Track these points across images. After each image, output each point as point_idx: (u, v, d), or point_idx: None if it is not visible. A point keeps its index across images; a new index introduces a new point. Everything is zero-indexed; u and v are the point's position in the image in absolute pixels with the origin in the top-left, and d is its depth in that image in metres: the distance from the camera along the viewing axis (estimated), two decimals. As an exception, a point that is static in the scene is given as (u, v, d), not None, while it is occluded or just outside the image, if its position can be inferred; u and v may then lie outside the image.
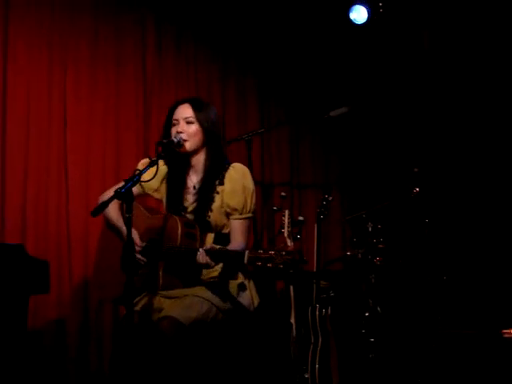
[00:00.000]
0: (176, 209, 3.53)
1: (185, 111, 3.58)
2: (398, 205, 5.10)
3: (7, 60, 4.51)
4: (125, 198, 3.03)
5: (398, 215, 5.39)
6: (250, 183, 3.60)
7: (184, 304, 3.34)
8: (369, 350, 4.67)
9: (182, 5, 5.29)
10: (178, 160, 3.59)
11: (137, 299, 3.45)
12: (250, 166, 4.75)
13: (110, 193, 3.19)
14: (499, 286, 5.18)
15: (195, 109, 3.59)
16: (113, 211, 3.54)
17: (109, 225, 3.60)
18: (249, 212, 3.57)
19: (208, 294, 3.42)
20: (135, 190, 3.52)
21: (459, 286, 5.14)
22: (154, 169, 3.26)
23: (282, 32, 5.77)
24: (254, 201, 3.59)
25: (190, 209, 3.56)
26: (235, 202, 3.53)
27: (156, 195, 3.66)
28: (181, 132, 3.52)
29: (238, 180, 3.56)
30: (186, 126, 3.55)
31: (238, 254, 3.26)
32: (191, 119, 3.56)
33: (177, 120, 3.58)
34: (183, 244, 3.36)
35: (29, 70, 4.59)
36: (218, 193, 3.54)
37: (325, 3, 5.72)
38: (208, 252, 3.31)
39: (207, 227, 3.52)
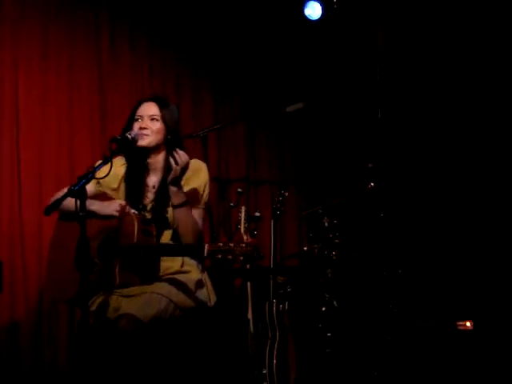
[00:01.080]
0: (135, 207, 3.50)
1: (150, 108, 3.58)
2: (354, 200, 5.14)
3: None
4: (78, 195, 2.99)
5: (353, 210, 5.43)
6: (205, 176, 3.62)
7: (142, 301, 3.32)
8: (326, 344, 4.70)
9: (135, 6, 5.25)
10: (135, 158, 3.57)
11: (93, 299, 3.42)
12: (206, 162, 4.66)
13: (64, 191, 3.16)
14: (453, 278, 5.26)
15: (161, 107, 3.58)
16: (73, 202, 3.36)
17: (70, 216, 3.50)
18: (202, 203, 3.59)
19: (166, 290, 3.40)
20: (92, 188, 3.49)
21: (414, 280, 5.20)
22: (108, 166, 3.22)
23: (237, 28, 5.77)
24: (206, 193, 3.60)
25: (148, 207, 3.55)
26: (188, 191, 3.53)
27: (114, 195, 3.59)
28: (144, 128, 3.51)
29: (193, 171, 3.57)
30: (151, 122, 3.54)
31: (198, 246, 3.26)
32: (156, 117, 3.56)
33: (141, 116, 3.56)
34: (140, 241, 3.34)
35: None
36: None
37: (279, -1, 5.73)
38: (166, 246, 3.38)
39: (165, 224, 3.51)
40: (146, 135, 3.51)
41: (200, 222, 3.55)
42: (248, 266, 4.57)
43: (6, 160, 4.55)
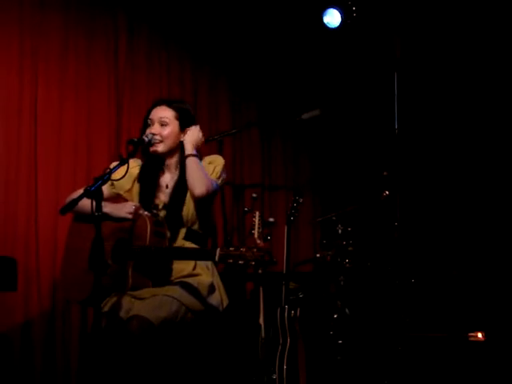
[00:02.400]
0: (147, 207, 3.52)
1: (160, 112, 3.58)
2: (368, 208, 5.13)
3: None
4: (94, 196, 3.02)
5: (367, 218, 5.42)
6: (221, 160, 3.68)
7: (154, 303, 3.32)
8: (337, 351, 4.69)
9: (154, 4, 5.27)
10: (151, 159, 3.59)
11: (105, 300, 3.43)
12: (221, 166, 4.76)
13: (80, 191, 3.18)
14: (466, 288, 5.23)
15: (174, 111, 3.59)
16: (88, 202, 3.21)
17: (85, 218, 3.51)
18: (216, 177, 3.61)
19: (178, 293, 3.40)
20: (106, 191, 3.52)
21: (427, 289, 5.18)
22: (124, 168, 3.26)
23: (256, 33, 5.78)
24: (222, 171, 3.65)
25: (161, 205, 3.56)
26: (206, 168, 3.60)
27: (127, 196, 3.61)
28: (155, 134, 3.52)
29: (211, 157, 3.68)
30: (161, 127, 3.55)
31: (209, 251, 3.27)
32: (166, 121, 3.56)
33: (151, 120, 3.57)
34: (152, 243, 3.35)
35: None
36: None
37: (299, 6, 5.73)
38: (179, 249, 3.38)
39: (179, 222, 3.52)
40: (159, 142, 3.53)
41: (213, 184, 3.56)
42: (260, 271, 4.57)
43: (23, 161, 4.57)
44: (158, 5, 5.30)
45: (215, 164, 3.64)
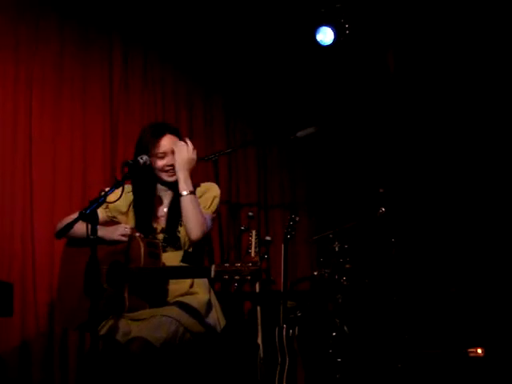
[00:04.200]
0: (145, 231, 3.50)
1: (173, 143, 3.52)
2: (365, 225, 5.13)
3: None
4: (90, 219, 3.00)
5: (364, 235, 5.42)
6: (217, 190, 3.63)
7: (152, 324, 3.30)
8: (336, 369, 4.67)
9: (148, 26, 5.30)
10: (145, 182, 3.57)
11: (102, 323, 3.41)
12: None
13: (75, 215, 3.17)
14: (464, 305, 5.22)
15: (178, 138, 3.56)
16: (82, 227, 3.18)
17: (79, 242, 3.48)
18: (212, 210, 3.58)
19: (176, 313, 3.38)
20: (101, 214, 3.50)
21: (425, 306, 5.17)
22: (119, 190, 3.25)
23: (249, 53, 5.81)
24: (216, 202, 3.60)
25: (159, 229, 3.54)
26: (201, 200, 3.54)
27: (123, 219, 3.59)
28: (171, 165, 3.49)
29: (206, 187, 3.61)
30: (173, 158, 3.50)
31: (205, 268, 3.25)
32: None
33: (164, 153, 3.52)
34: (147, 264, 3.34)
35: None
36: None
37: (291, 24, 5.76)
38: (174, 268, 3.37)
39: (177, 244, 3.51)
40: (174, 173, 3.51)
41: (208, 222, 3.53)
42: (257, 286, 4.56)
43: (18, 184, 4.57)
44: (152, 26, 5.33)
45: (213, 195, 3.60)
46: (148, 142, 3.52)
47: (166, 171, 3.51)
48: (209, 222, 3.53)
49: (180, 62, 5.49)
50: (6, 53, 4.63)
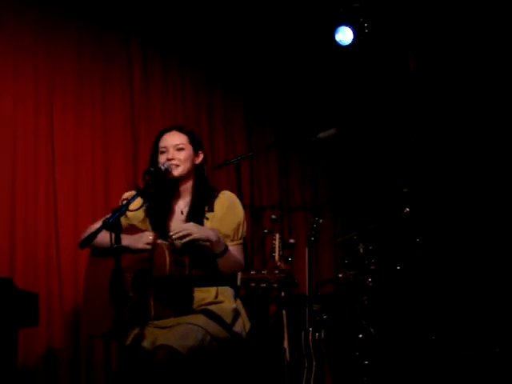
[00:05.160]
0: (163, 236, 3.49)
1: (174, 138, 3.55)
2: (389, 225, 5.09)
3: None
4: (113, 228, 3.00)
5: (389, 236, 5.38)
6: (240, 211, 3.58)
7: (179, 332, 3.27)
8: (363, 372, 4.64)
9: (167, 29, 5.30)
10: (163, 187, 3.56)
11: (128, 333, 3.39)
12: (239, 189, 4.75)
13: (98, 224, 3.16)
14: (492, 303, 5.17)
15: (186, 135, 3.58)
16: (106, 236, 3.22)
17: (103, 252, 3.47)
18: (240, 239, 3.55)
19: (202, 321, 3.36)
20: (122, 223, 3.48)
21: (452, 306, 5.12)
22: (140, 199, 3.25)
23: (269, 54, 5.80)
24: (245, 228, 3.58)
25: (178, 235, 3.53)
26: (226, 228, 3.50)
27: (142, 226, 3.59)
28: (172, 159, 3.50)
29: (228, 207, 3.54)
30: (177, 152, 3.53)
31: (231, 276, 3.23)
32: (182, 146, 3.54)
33: (165, 147, 3.54)
34: (172, 272, 3.32)
35: (15, 98, 4.57)
36: (207, 218, 3.51)
37: (310, 25, 5.73)
38: (200, 276, 3.33)
39: (198, 252, 3.46)
40: (176, 166, 3.51)
41: (240, 256, 3.53)
42: (283, 294, 4.53)
43: (41, 194, 4.57)
44: (170, 29, 5.32)
45: (237, 221, 3.54)
46: (154, 143, 3.57)
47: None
48: (241, 255, 3.53)
49: (199, 64, 5.48)
50: (26, 62, 4.64)
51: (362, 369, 4.65)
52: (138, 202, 3.26)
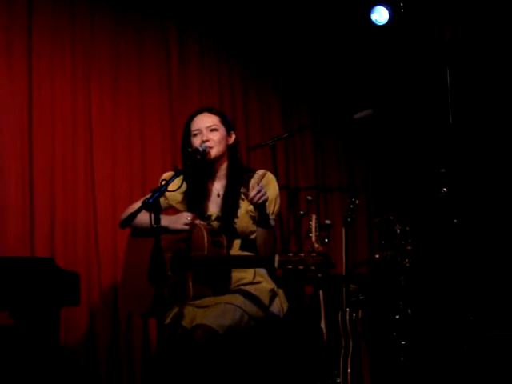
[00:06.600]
0: (200, 217, 3.51)
1: (207, 120, 3.57)
2: (426, 206, 5.06)
3: (32, 72, 4.54)
4: (153, 208, 3.03)
5: (425, 216, 5.35)
6: (274, 187, 3.60)
7: (217, 312, 3.30)
8: (400, 353, 4.64)
9: (203, 12, 5.31)
10: (200, 169, 3.58)
11: (167, 313, 3.42)
12: (275, 170, 4.75)
13: (137, 204, 3.19)
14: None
15: (217, 116, 3.59)
16: (145, 217, 3.21)
17: (143, 232, 3.52)
18: (273, 214, 3.57)
19: (240, 301, 3.38)
20: (160, 203, 3.51)
21: (490, 286, 5.09)
22: (179, 180, 3.28)
23: (304, 35, 5.77)
24: (278, 204, 3.60)
25: (214, 216, 3.55)
26: None
27: (180, 207, 3.62)
28: (207, 140, 3.51)
29: (263, 184, 3.54)
30: (211, 133, 3.54)
31: (268, 258, 3.25)
32: (215, 127, 3.55)
33: (198, 129, 3.55)
34: (210, 252, 3.35)
35: (52, 82, 4.62)
36: (243, 199, 3.53)
37: (346, 5, 5.69)
38: (238, 257, 3.40)
39: (233, 234, 3.51)
40: (211, 147, 3.52)
41: (274, 231, 3.55)
42: (320, 274, 4.54)
43: (80, 176, 4.63)
44: (206, 12, 5.32)
45: (274, 195, 3.57)
46: (186, 125, 3.60)
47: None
48: (274, 229, 3.55)
49: (234, 48, 5.48)
50: (63, 44, 4.69)
51: (399, 349, 4.65)
52: (177, 183, 3.28)
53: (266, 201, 3.36)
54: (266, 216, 3.44)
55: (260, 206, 3.37)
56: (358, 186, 5.78)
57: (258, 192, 3.31)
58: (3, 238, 4.32)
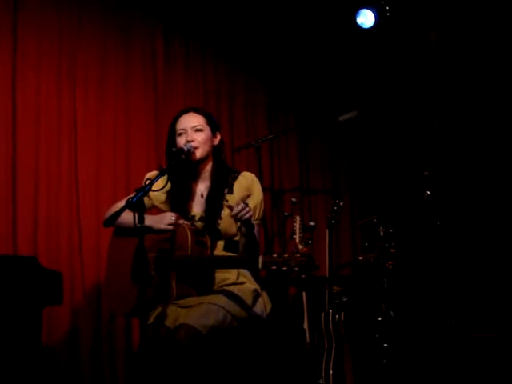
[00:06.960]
0: (183, 217, 3.51)
1: (192, 119, 3.55)
2: (409, 208, 5.08)
3: (16, 70, 4.52)
4: (137, 207, 3.02)
5: (409, 219, 5.37)
6: (259, 193, 3.60)
7: (200, 312, 3.31)
8: (383, 355, 4.65)
9: (190, 14, 5.30)
10: (184, 169, 3.57)
11: (150, 313, 3.41)
12: (259, 172, 4.76)
13: (121, 203, 3.19)
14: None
15: (203, 116, 3.58)
16: (129, 216, 3.23)
17: (126, 231, 3.49)
18: (257, 219, 3.57)
19: (223, 302, 3.39)
20: (144, 202, 3.51)
21: (473, 289, 5.11)
22: (163, 179, 3.27)
23: (290, 38, 5.78)
24: (262, 209, 3.59)
25: (197, 217, 3.54)
26: None
27: (163, 207, 3.61)
28: (191, 140, 3.50)
29: (247, 189, 3.56)
30: (195, 133, 3.53)
31: (252, 259, 3.25)
32: (200, 127, 3.54)
33: (183, 129, 3.54)
34: (194, 252, 3.35)
35: (37, 81, 4.61)
36: (227, 201, 3.52)
37: (332, 8, 5.71)
38: (222, 258, 3.37)
39: (217, 235, 3.50)
40: (196, 148, 3.51)
41: (257, 237, 3.55)
42: (303, 276, 4.54)
43: (64, 175, 4.62)
44: (193, 13, 5.32)
45: (259, 199, 3.57)
46: (171, 125, 3.58)
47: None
48: (258, 236, 3.55)
49: (221, 48, 5.48)
50: (51, 44, 4.68)
51: (382, 351, 4.67)
52: (161, 182, 3.28)
53: (249, 218, 3.36)
54: (251, 228, 3.43)
55: (244, 222, 3.37)
56: (342, 188, 5.80)
57: (243, 209, 3.30)
58: (-15, 236, 4.30)
